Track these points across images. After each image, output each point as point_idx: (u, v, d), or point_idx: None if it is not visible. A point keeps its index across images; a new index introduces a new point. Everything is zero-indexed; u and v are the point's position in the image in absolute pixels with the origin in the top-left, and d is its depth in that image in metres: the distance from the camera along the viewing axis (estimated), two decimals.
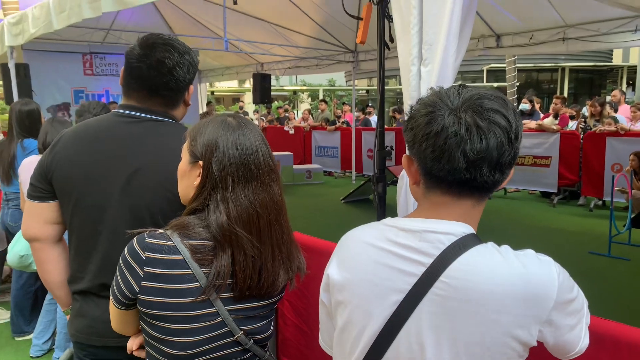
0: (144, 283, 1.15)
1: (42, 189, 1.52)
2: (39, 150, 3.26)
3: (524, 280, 0.89)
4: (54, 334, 3.47)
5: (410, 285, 0.94)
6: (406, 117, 1.04)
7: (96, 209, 1.47)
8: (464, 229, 0.96)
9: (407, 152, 1.03)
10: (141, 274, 1.16)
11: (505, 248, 0.95)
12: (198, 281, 1.15)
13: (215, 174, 1.18)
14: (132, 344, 1.30)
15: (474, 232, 0.98)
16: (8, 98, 6.35)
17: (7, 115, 4.01)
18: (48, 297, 3.49)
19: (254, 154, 1.21)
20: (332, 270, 1.06)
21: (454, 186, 0.96)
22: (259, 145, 1.23)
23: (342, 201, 8.51)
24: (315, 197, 9.08)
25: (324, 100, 14.19)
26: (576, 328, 0.96)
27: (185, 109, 1.66)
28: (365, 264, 1.01)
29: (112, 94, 9.69)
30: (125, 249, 1.20)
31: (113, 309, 1.25)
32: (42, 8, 4.92)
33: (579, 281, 0.98)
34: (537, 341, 0.92)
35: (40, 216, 1.54)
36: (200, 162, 1.20)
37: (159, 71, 1.50)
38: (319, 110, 13.66)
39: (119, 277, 1.20)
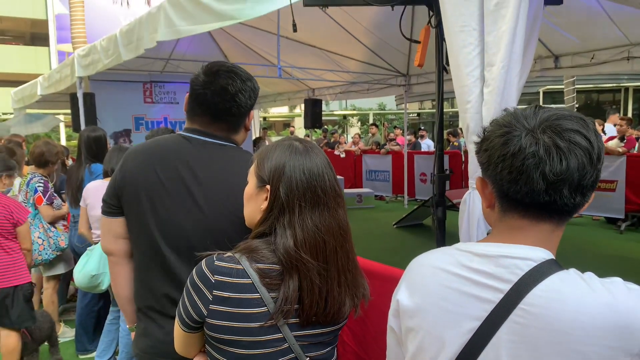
0: (212, 307, 1.15)
1: (112, 204, 1.59)
2: (104, 175, 3.41)
3: (612, 310, 0.84)
4: (115, 352, 3.57)
5: (487, 312, 0.90)
6: (478, 139, 1.01)
7: (160, 228, 1.50)
8: (544, 254, 0.92)
9: (481, 174, 1.00)
10: (210, 297, 1.16)
11: (590, 275, 0.90)
12: (266, 306, 1.15)
13: (282, 199, 1.18)
14: None
15: (554, 258, 0.93)
16: (76, 125, 6.74)
17: (75, 141, 4.24)
18: (110, 317, 3.61)
19: (320, 178, 1.21)
20: (402, 296, 1.03)
21: (532, 209, 0.92)
22: (325, 170, 1.23)
23: (395, 226, 8.39)
24: (367, 221, 9.01)
25: (374, 124, 14.19)
26: None
27: (245, 133, 1.69)
28: (437, 289, 0.97)
29: (170, 120, 10.06)
30: (194, 271, 1.20)
31: (178, 330, 1.26)
32: (109, 40, 5.23)
33: None
34: None
35: (110, 231, 1.61)
36: (268, 187, 1.20)
37: (222, 97, 1.54)
38: (370, 134, 13.66)
39: (186, 299, 1.20)
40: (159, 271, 1.52)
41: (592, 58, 6.88)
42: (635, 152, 7.79)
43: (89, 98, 6.57)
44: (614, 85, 21.76)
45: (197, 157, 1.54)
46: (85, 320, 3.93)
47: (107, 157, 3.42)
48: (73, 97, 6.70)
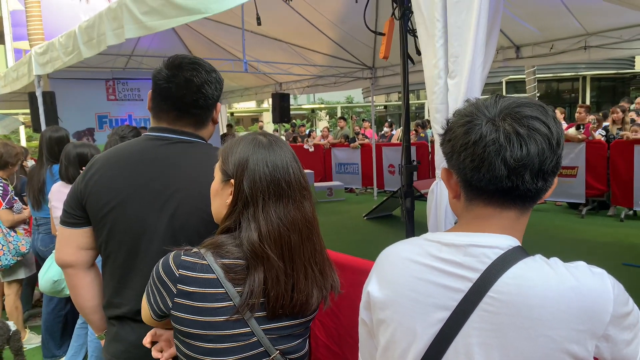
0: (177, 300, 1.16)
1: (76, 215, 1.53)
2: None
3: (577, 293, 0.86)
4: (85, 357, 3.49)
5: (457, 302, 0.91)
6: (442, 130, 1.02)
7: (132, 233, 1.47)
8: (510, 241, 0.93)
9: (446, 165, 1.01)
10: (174, 290, 1.16)
11: (555, 260, 0.92)
12: (231, 300, 1.15)
13: (246, 192, 1.18)
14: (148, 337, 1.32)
15: (520, 244, 0.95)
16: (36, 125, 6.52)
17: (36, 142, 4.10)
18: (79, 321, 3.52)
19: (284, 171, 1.21)
20: (373, 288, 1.04)
21: (496, 196, 0.93)
22: (289, 163, 1.23)
23: (365, 218, 8.46)
24: (338, 214, 9.05)
25: (342, 118, 14.23)
26: (633, 343, 0.91)
27: (213, 127, 1.67)
28: (408, 280, 0.98)
29: (135, 118, 9.85)
30: (160, 264, 1.20)
31: (148, 317, 1.25)
32: (69, 37, 5.06)
33: None
34: (595, 357, 0.88)
35: (74, 242, 1.55)
36: (232, 181, 1.20)
37: (188, 90, 1.51)
38: (338, 127, 13.69)
39: (150, 291, 1.21)
40: (133, 278, 1.48)
41: (552, 48, 7.07)
42: (596, 138, 8.02)
43: (49, 97, 6.36)
44: (573, 74, 22.42)
45: (164, 158, 1.51)
46: (51, 325, 3.82)
47: (61, 155, 3.33)
48: (32, 97, 6.47)
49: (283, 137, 13.53)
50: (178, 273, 1.16)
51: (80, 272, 1.57)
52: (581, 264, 0.91)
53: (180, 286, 1.15)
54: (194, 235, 1.40)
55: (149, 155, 1.52)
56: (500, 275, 0.89)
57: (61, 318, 3.83)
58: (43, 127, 5.99)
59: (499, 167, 0.89)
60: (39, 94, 6.21)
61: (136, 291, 1.46)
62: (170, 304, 1.16)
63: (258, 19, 2.73)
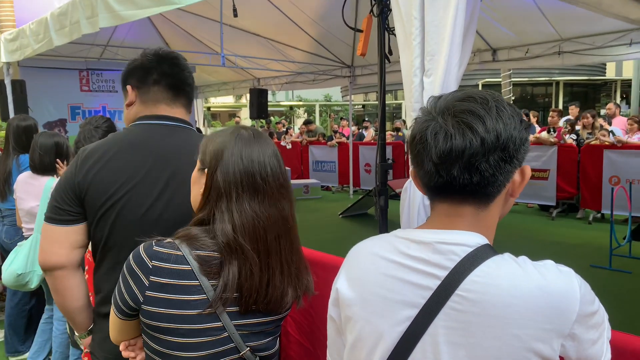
0: (148, 293, 1.12)
1: (71, 211, 1.45)
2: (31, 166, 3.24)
3: (544, 292, 0.86)
4: (49, 353, 3.39)
5: (425, 299, 0.91)
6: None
7: (139, 224, 1.43)
8: (478, 239, 0.93)
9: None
10: (146, 283, 1.12)
11: (523, 259, 0.91)
12: (205, 293, 1.12)
13: (219, 184, 1.16)
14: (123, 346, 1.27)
15: (489, 242, 0.95)
16: (4, 114, 6.32)
17: (3, 131, 3.98)
18: (44, 315, 3.42)
19: (261, 166, 1.19)
20: (341, 285, 1.02)
21: (445, 192, 0.94)
22: (268, 159, 1.21)
23: (340, 216, 8.47)
24: (314, 212, 9.04)
25: (309, 121, 13.77)
26: (598, 342, 0.92)
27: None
28: (376, 277, 0.97)
29: (109, 110, 9.67)
30: (131, 255, 1.17)
31: (113, 317, 1.22)
32: (40, 24, 4.91)
33: None
34: (560, 356, 0.88)
35: (66, 241, 1.45)
36: (206, 170, 1.19)
37: (179, 68, 1.58)
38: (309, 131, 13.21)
39: (122, 285, 1.17)
40: None
41: (527, 52, 7.20)
42: (567, 142, 8.19)
43: (19, 85, 6.17)
44: (547, 79, 22.90)
45: (167, 147, 1.51)
46: (15, 320, 3.70)
47: (32, 145, 3.24)
48: (0, 85, 6.27)
49: None
50: (151, 264, 1.13)
51: (72, 272, 1.48)
52: (549, 262, 0.91)
53: (153, 278, 1.12)
54: None
55: (152, 143, 1.50)
56: (468, 273, 0.88)
57: (25, 313, 3.72)
58: (12, 116, 5.82)
59: (427, 163, 0.91)
60: (7, 82, 6.03)
61: None
62: (140, 298, 1.13)
63: (234, 10, 2.69)
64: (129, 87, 1.57)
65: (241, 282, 1.14)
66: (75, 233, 1.46)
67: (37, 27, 5.00)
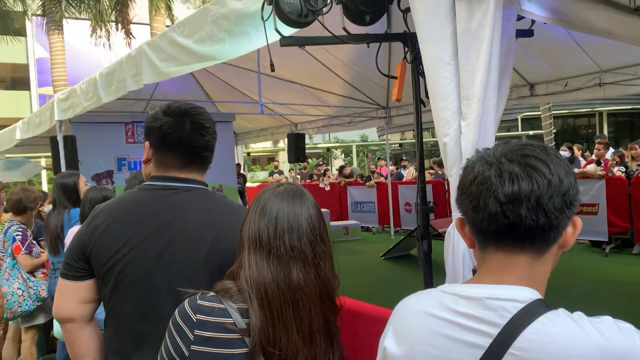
0: (193, 347, 1.12)
1: (79, 267, 1.48)
2: (81, 219, 3.36)
3: (604, 351, 0.81)
4: None
5: (477, 358, 0.87)
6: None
7: (138, 287, 1.43)
8: (530, 294, 0.90)
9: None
10: (191, 337, 1.13)
11: (579, 315, 0.87)
12: (248, 347, 1.13)
13: (242, 237, 1.23)
14: None
15: (541, 297, 0.91)
16: (56, 169, 6.65)
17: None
18: None
19: (292, 227, 1.22)
20: (389, 343, 1.00)
21: (502, 239, 0.92)
22: (302, 220, 1.23)
23: (383, 258, 8.34)
24: (355, 254, 8.94)
25: (342, 167, 14.06)
26: None
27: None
28: (425, 335, 0.94)
29: None
30: (177, 311, 1.18)
31: None
32: (89, 83, 5.22)
33: None
34: None
35: (74, 296, 1.49)
36: None
37: (199, 133, 1.52)
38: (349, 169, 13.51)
39: (168, 340, 1.17)
40: (139, 332, 1.43)
41: (566, 85, 7.06)
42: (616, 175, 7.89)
43: (70, 141, 6.50)
44: (589, 110, 22.34)
45: (170, 209, 1.48)
46: None
47: (83, 200, 3.38)
48: (53, 141, 6.63)
49: (298, 177, 13.60)
50: (196, 318, 1.14)
51: (81, 326, 1.51)
52: (607, 319, 0.87)
53: (197, 332, 1.13)
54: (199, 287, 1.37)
55: (155, 206, 1.49)
56: (521, 330, 0.85)
57: None
58: (63, 170, 6.10)
59: (492, 204, 0.89)
60: (59, 138, 6.37)
61: (140, 345, 1.43)
62: (186, 353, 1.13)
63: (272, 65, 2.78)
64: (147, 144, 1.55)
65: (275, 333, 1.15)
66: (83, 289, 1.49)
67: (87, 86, 5.31)
